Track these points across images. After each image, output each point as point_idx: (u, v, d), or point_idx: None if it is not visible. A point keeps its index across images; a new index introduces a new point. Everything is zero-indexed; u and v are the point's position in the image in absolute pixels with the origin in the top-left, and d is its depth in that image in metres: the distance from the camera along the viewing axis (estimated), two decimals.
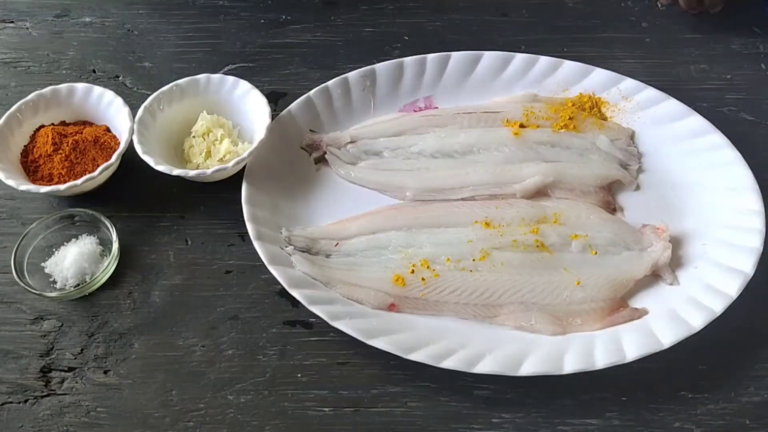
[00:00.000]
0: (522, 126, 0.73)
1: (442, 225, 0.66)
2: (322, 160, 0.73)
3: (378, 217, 0.67)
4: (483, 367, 0.57)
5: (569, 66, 0.76)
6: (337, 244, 0.66)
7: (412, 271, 0.63)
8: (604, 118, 0.75)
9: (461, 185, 0.70)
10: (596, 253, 0.65)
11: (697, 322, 0.59)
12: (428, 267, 0.63)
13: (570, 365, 0.57)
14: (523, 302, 0.62)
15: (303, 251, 0.66)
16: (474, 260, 0.64)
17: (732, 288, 0.61)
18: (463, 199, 0.69)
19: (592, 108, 0.75)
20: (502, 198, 0.69)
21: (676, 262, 0.65)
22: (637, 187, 0.71)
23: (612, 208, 0.69)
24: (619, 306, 0.62)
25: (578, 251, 0.65)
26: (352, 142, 0.73)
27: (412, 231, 0.66)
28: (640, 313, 0.62)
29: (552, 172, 0.69)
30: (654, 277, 0.64)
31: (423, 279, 0.63)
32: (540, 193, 0.69)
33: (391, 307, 0.62)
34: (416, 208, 0.68)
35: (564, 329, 0.61)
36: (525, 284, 0.62)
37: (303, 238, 0.66)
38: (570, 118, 0.73)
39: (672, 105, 0.73)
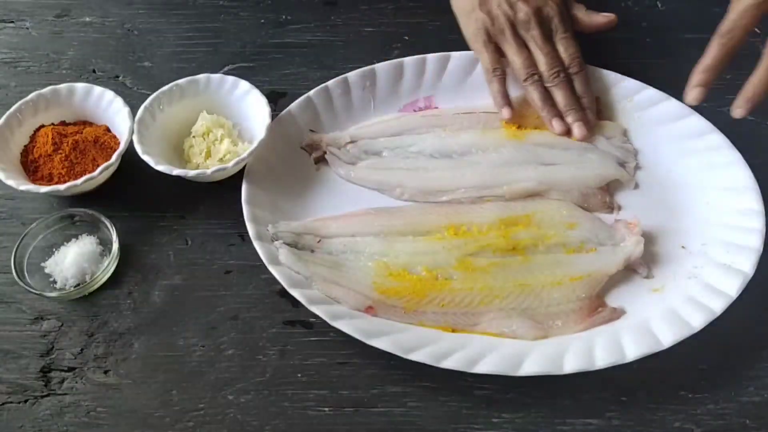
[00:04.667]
0: (520, 127, 0.73)
1: (417, 232, 0.66)
2: (322, 160, 0.73)
3: (355, 220, 0.67)
4: (483, 367, 0.57)
5: None
6: (319, 240, 0.66)
7: (391, 279, 0.63)
8: (598, 117, 0.75)
9: (456, 187, 0.69)
10: (569, 251, 0.65)
11: (697, 322, 0.59)
12: (406, 276, 0.63)
13: (570, 365, 0.57)
14: (502, 308, 0.62)
15: (290, 246, 0.65)
16: (450, 269, 0.63)
17: (732, 288, 0.61)
18: (450, 202, 0.69)
19: None
20: (486, 200, 0.68)
21: (675, 262, 0.65)
22: (636, 187, 0.71)
23: (610, 207, 0.69)
24: (598, 306, 0.62)
25: (551, 251, 0.64)
26: (352, 142, 0.73)
27: (387, 239, 0.65)
28: (619, 313, 0.62)
29: (546, 179, 0.69)
30: (631, 271, 0.64)
31: (401, 288, 0.62)
32: (534, 194, 0.69)
33: (369, 310, 0.62)
34: (392, 213, 0.68)
35: (545, 332, 0.61)
36: (501, 290, 0.62)
37: (289, 233, 0.66)
38: None
39: (672, 105, 0.73)
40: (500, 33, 0.72)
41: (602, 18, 0.74)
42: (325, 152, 0.73)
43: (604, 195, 0.69)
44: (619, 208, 0.69)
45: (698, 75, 0.67)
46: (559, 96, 0.72)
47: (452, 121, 0.74)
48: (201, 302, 0.65)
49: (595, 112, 0.73)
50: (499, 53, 0.73)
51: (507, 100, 0.73)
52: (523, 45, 0.72)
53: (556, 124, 0.71)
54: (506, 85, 0.73)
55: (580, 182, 0.69)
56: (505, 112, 0.72)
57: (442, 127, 0.73)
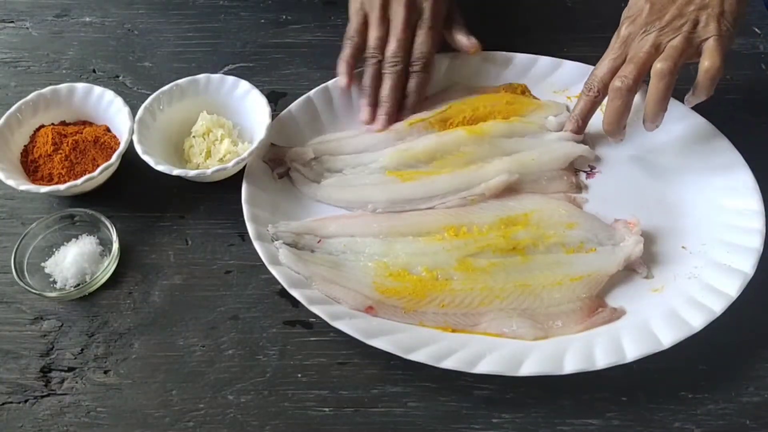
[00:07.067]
0: (473, 122, 0.73)
1: (417, 233, 0.66)
2: (285, 175, 0.71)
3: (355, 221, 0.67)
4: (483, 367, 0.57)
5: (569, 66, 0.77)
6: (319, 240, 0.66)
7: (391, 279, 0.63)
8: (537, 99, 0.76)
9: (430, 194, 0.68)
10: (569, 251, 0.65)
11: (697, 322, 0.59)
12: (406, 276, 0.63)
13: (570, 365, 0.57)
14: (502, 309, 0.62)
15: (290, 246, 0.65)
16: (450, 269, 0.63)
17: (732, 288, 0.61)
18: (433, 208, 0.68)
19: (523, 92, 0.76)
20: (471, 200, 0.68)
21: (675, 262, 0.65)
22: (636, 187, 0.70)
23: (578, 187, 0.70)
24: (598, 306, 0.62)
25: (551, 251, 0.64)
26: (316, 158, 0.71)
27: (388, 239, 0.65)
28: (619, 314, 0.62)
29: (516, 167, 0.69)
30: (631, 271, 0.65)
31: (401, 288, 0.62)
32: (507, 188, 0.69)
33: (369, 310, 0.62)
34: (392, 215, 0.68)
35: (545, 333, 0.61)
36: (501, 290, 0.62)
37: (288, 233, 0.66)
38: (509, 104, 0.74)
39: (672, 105, 0.72)
40: (370, 4, 0.72)
41: (466, 41, 0.74)
42: (289, 168, 0.71)
43: (570, 176, 0.70)
44: (586, 187, 0.70)
45: (571, 123, 0.70)
46: (385, 85, 0.72)
47: (408, 133, 0.72)
48: (201, 302, 0.65)
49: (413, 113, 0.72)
50: (365, 25, 0.73)
51: (348, 68, 0.72)
52: (385, 23, 0.71)
53: (363, 111, 0.72)
54: (356, 56, 0.73)
55: (545, 167, 0.70)
56: (341, 80, 0.72)
57: (400, 140, 0.72)
